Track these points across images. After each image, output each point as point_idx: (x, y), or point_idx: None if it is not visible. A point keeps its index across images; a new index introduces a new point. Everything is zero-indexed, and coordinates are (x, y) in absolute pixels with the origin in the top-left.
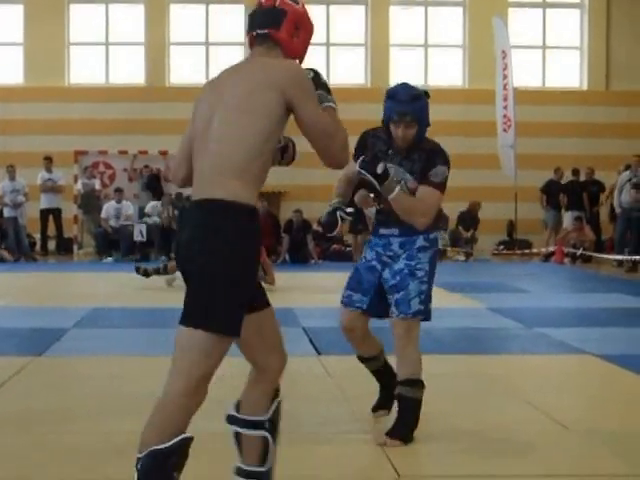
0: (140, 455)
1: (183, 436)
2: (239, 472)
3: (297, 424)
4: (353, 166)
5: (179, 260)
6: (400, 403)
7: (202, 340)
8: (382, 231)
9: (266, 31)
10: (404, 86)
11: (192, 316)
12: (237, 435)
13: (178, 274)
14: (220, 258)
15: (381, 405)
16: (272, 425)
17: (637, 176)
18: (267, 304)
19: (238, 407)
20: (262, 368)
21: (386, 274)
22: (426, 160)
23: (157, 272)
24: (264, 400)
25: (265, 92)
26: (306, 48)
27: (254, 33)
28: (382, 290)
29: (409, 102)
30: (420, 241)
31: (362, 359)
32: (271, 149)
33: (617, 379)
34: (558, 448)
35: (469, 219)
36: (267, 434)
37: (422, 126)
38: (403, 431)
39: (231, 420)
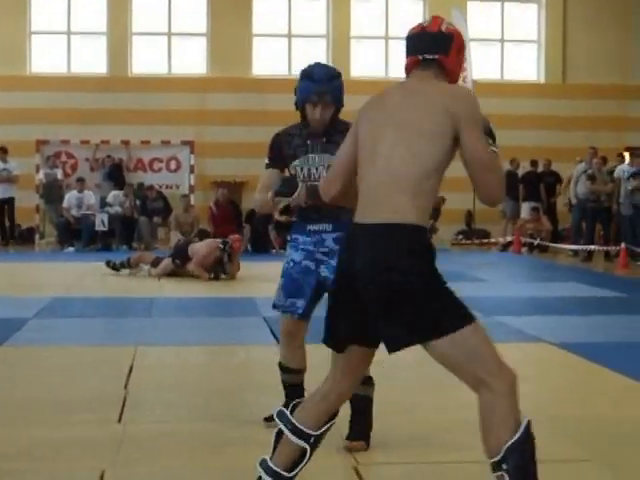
0: (498, 458)
1: (526, 419)
2: (264, 467)
3: (257, 412)
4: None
5: (357, 281)
6: (357, 403)
7: (466, 336)
8: (312, 227)
9: (436, 57)
10: (320, 65)
11: (439, 326)
12: (280, 433)
13: (144, 266)
14: (419, 274)
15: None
16: (316, 442)
17: (592, 168)
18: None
19: (294, 409)
20: (340, 389)
21: (324, 272)
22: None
23: (122, 266)
24: (323, 417)
25: (441, 116)
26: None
27: (420, 57)
28: (318, 290)
29: (328, 81)
30: None
31: (289, 370)
32: (442, 171)
33: (573, 366)
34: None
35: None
36: (308, 448)
37: (339, 107)
38: (365, 432)
39: (281, 417)
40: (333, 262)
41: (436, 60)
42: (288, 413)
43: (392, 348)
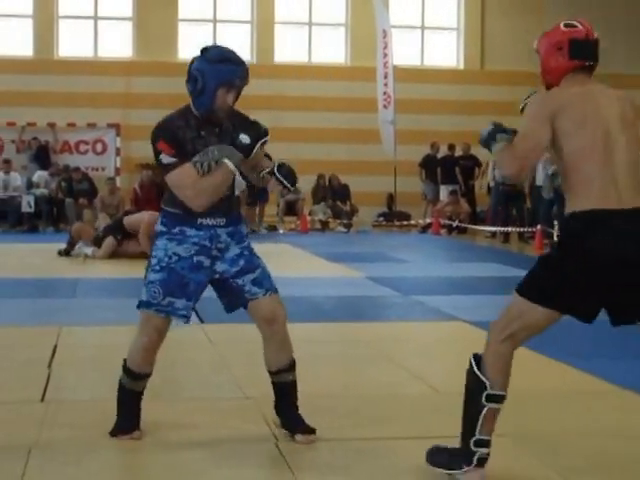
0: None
1: None
2: None
3: (180, 389)
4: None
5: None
6: (291, 390)
7: None
8: (205, 221)
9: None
10: (224, 47)
11: None
12: None
13: (85, 248)
14: None
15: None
16: None
17: None
18: None
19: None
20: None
21: (222, 266)
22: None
23: (70, 246)
24: None
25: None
26: None
27: (588, 63)
28: (216, 286)
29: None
30: (244, 229)
31: (141, 376)
32: None
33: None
34: (430, 410)
35: (340, 191)
36: None
37: None
38: (303, 420)
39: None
40: (229, 253)
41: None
42: None
43: None
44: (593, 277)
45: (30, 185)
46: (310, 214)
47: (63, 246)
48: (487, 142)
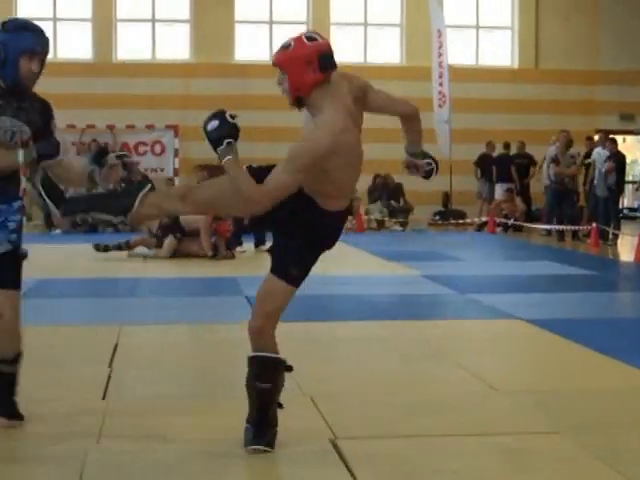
0: None
1: None
2: None
3: (233, 387)
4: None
5: None
6: (9, 380)
7: None
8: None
9: None
10: (22, 18)
11: None
12: None
13: (146, 250)
14: None
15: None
16: None
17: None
18: None
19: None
20: None
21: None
22: (42, 112)
23: (118, 248)
24: None
25: None
26: None
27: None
28: None
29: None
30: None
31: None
32: None
33: (543, 342)
34: (487, 408)
35: (395, 191)
36: None
37: None
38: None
39: None
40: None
41: None
42: None
43: None
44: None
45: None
46: (366, 213)
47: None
48: (212, 141)
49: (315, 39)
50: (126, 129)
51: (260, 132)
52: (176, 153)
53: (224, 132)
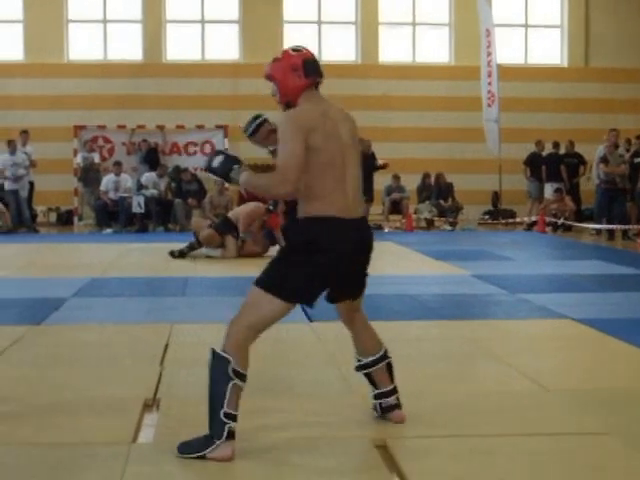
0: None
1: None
2: (378, 396)
3: (289, 385)
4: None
5: None
6: None
7: None
8: None
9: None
10: None
11: None
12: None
13: (212, 251)
14: None
15: None
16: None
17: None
18: None
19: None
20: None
21: None
22: None
23: (191, 248)
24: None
25: None
26: None
27: (319, 80)
28: None
29: None
30: None
31: None
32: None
33: (594, 342)
34: (537, 408)
35: (445, 190)
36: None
37: None
38: None
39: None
40: None
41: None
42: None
43: None
44: (331, 268)
45: (140, 186)
46: (415, 212)
47: (174, 246)
48: (223, 173)
49: (300, 50)
50: (176, 129)
51: None
52: None
53: (230, 161)
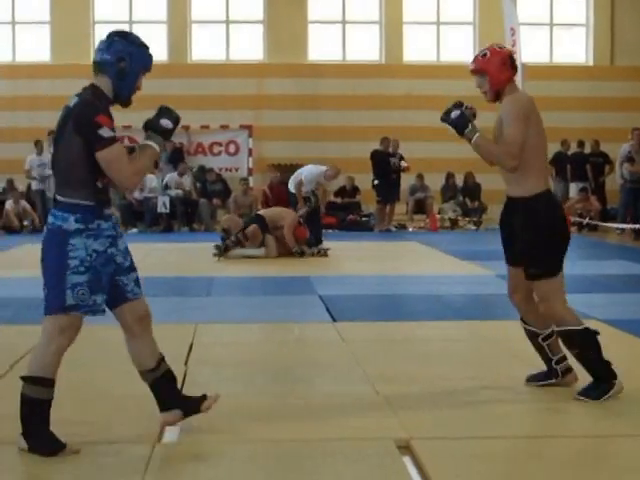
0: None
1: None
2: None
3: (313, 385)
4: None
5: None
6: (173, 375)
7: None
8: (107, 211)
9: None
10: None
11: None
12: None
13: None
14: None
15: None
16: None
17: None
18: None
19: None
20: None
21: (119, 258)
22: None
23: (236, 243)
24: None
25: None
26: None
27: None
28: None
29: None
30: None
31: (54, 382)
32: None
33: (620, 343)
34: (566, 410)
35: (472, 190)
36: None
37: None
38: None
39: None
40: (120, 247)
41: None
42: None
43: None
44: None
45: (165, 186)
46: (439, 212)
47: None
48: (460, 127)
49: (503, 47)
50: (201, 129)
51: (332, 131)
52: (250, 153)
53: (467, 119)
